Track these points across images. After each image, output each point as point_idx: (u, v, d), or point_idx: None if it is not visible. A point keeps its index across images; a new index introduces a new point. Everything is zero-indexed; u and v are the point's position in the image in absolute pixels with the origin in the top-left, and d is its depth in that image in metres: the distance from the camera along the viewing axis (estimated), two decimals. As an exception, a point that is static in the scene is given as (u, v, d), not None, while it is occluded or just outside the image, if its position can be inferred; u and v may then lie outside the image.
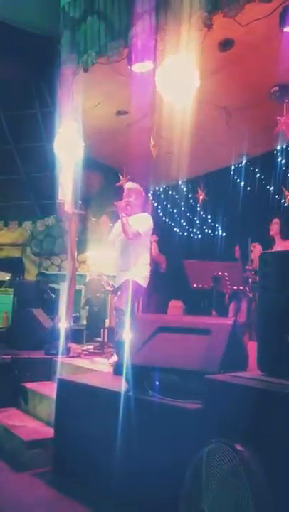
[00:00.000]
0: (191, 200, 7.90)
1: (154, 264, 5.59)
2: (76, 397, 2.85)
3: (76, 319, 7.62)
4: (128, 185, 4.30)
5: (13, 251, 10.30)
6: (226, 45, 4.28)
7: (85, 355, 4.73)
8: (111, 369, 3.43)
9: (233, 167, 7.28)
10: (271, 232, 5.26)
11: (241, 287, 4.49)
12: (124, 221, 3.87)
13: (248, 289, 4.51)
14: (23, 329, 5.18)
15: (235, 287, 4.54)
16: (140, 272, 3.91)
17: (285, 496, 1.60)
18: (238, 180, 7.16)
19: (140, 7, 4.17)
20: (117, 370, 2.92)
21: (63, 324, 4.82)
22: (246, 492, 1.60)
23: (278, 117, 4.61)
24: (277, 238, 5.20)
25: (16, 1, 6.34)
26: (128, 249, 3.93)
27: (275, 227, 5.21)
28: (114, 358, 3.88)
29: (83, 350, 4.89)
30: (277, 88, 4.88)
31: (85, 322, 7.67)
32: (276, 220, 5.25)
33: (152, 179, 8.17)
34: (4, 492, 2.70)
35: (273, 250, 5.01)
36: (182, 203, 8.11)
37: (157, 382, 2.38)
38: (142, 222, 3.98)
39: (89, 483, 2.58)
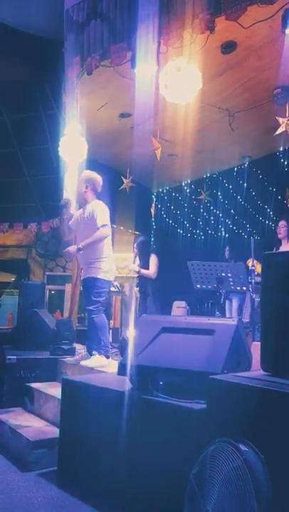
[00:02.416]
0: (195, 202, 7.92)
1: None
2: (81, 397, 2.87)
3: (81, 320, 7.65)
4: (80, 176, 4.32)
5: (18, 252, 10.36)
6: (228, 47, 4.31)
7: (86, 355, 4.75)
8: (115, 369, 3.45)
9: (236, 169, 7.30)
10: (279, 236, 5.25)
11: (245, 288, 4.50)
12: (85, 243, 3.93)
13: (251, 289, 4.52)
14: (28, 330, 5.21)
15: (238, 288, 4.55)
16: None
17: (289, 495, 1.61)
18: (241, 182, 7.18)
19: (143, 10, 4.20)
20: (122, 370, 2.94)
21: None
22: (250, 492, 1.61)
23: (280, 118, 4.62)
24: (284, 241, 5.21)
25: (21, 4, 6.39)
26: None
27: (282, 230, 5.21)
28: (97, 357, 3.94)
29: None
30: (279, 90, 4.89)
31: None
32: (283, 223, 5.25)
33: (156, 181, 8.20)
34: (11, 491, 2.72)
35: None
36: (185, 205, 8.13)
37: (161, 383, 2.39)
38: (101, 214, 4.00)
39: (94, 482, 2.60)
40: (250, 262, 4.78)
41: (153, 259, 5.78)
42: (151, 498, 2.23)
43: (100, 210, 4.03)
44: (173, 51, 4.06)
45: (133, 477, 2.35)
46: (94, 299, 3.99)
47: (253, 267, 4.61)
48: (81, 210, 4.22)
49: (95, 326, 3.99)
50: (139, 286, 5.70)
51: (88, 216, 4.07)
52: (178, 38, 3.98)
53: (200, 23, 3.79)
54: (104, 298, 4.04)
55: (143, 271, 5.61)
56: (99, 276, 3.97)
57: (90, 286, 4.00)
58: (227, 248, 6.55)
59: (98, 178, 4.27)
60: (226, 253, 6.46)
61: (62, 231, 4.46)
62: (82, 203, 4.24)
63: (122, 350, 3.71)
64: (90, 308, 4.00)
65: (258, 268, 4.75)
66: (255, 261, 4.70)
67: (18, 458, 3.22)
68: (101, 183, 4.26)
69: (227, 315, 5.73)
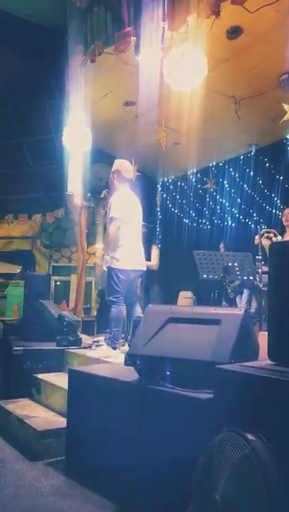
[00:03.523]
0: (200, 191, 7.86)
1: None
2: (87, 388, 2.88)
3: (87, 311, 7.67)
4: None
5: (23, 243, 10.36)
6: (234, 32, 4.23)
7: (96, 346, 4.76)
8: (122, 360, 3.45)
9: (242, 157, 7.22)
10: (285, 223, 5.24)
11: (252, 277, 4.47)
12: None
13: (258, 278, 4.50)
14: (34, 321, 5.23)
15: (245, 277, 4.53)
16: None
17: (297, 484, 1.61)
18: (248, 170, 7.10)
19: (147, -4, 4.13)
20: (128, 360, 2.94)
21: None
22: (258, 481, 1.60)
23: (287, 105, 4.55)
24: (288, 227, 5.19)
25: (22, -8, 6.31)
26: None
27: (288, 216, 5.20)
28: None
29: (94, 342, 4.92)
30: (286, 76, 4.81)
31: (95, 313, 7.71)
32: (288, 210, 5.25)
33: (161, 170, 8.15)
34: (19, 480, 2.75)
35: (285, 239, 4.99)
36: (191, 194, 8.08)
37: (168, 373, 2.39)
38: (114, 206, 3.97)
39: (101, 471, 2.61)
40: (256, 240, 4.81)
41: (155, 251, 5.75)
42: (158, 487, 2.24)
43: (114, 202, 3.99)
44: (177, 37, 3.99)
45: (140, 466, 2.36)
46: (109, 289, 3.97)
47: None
48: None
49: (110, 316, 3.96)
50: (142, 277, 5.69)
51: (108, 208, 4.06)
52: (183, 23, 3.90)
53: (205, 7, 3.72)
54: (120, 288, 3.97)
55: (146, 263, 5.59)
56: (112, 266, 3.96)
57: (108, 276, 3.98)
58: (222, 245, 6.49)
59: (123, 165, 4.22)
60: (221, 249, 6.35)
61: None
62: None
63: (130, 339, 3.71)
64: (108, 298, 3.99)
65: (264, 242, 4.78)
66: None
67: (26, 448, 3.25)
68: (128, 168, 4.22)
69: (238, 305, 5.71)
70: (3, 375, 4.73)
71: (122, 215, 3.95)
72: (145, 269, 4.25)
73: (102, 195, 4.32)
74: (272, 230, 5.14)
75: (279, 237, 5.03)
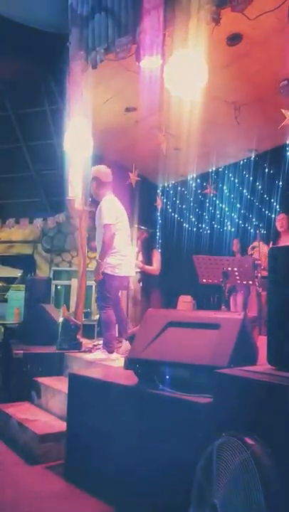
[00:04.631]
0: (200, 196, 7.89)
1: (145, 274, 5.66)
2: (87, 392, 2.88)
3: (87, 315, 7.68)
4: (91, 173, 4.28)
5: (24, 248, 10.39)
6: (234, 39, 4.26)
7: (96, 349, 4.77)
8: (121, 363, 3.46)
9: (242, 162, 7.25)
10: (280, 229, 5.28)
11: (251, 282, 4.48)
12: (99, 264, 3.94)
13: (257, 283, 4.51)
14: (35, 325, 5.24)
15: (244, 282, 4.54)
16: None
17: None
18: (247, 176, 7.13)
19: (148, 2, 4.16)
20: (128, 364, 2.95)
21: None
22: (257, 486, 1.61)
23: (287, 111, 4.58)
24: (283, 232, 5.23)
25: (25, -1, 6.36)
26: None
27: (283, 222, 5.25)
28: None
29: (94, 345, 4.93)
30: (286, 82, 4.83)
31: (96, 317, 7.72)
32: (283, 216, 5.29)
33: (161, 175, 8.17)
34: (19, 485, 2.75)
35: (280, 245, 5.03)
36: (191, 199, 8.11)
37: (167, 377, 2.40)
38: (104, 212, 3.97)
39: (101, 475, 2.61)
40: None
41: (156, 256, 5.76)
42: (157, 491, 2.24)
43: (103, 209, 3.99)
44: (178, 43, 4.02)
45: (140, 470, 2.36)
46: (100, 294, 3.99)
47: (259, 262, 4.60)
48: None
49: (102, 321, 3.99)
50: (142, 282, 5.71)
51: (97, 214, 4.06)
52: (183, 30, 3.94)
53: (205, 14, 3.75)
54: (111, 294, 4.00)
55: (147, 267, 5.61)
56: (106, 271, 3.96)
57: (101, 281, 3.99)
58: (236, 241, 6.54)
59: (100, 170, 4.22)
60: (235, 246, 6.43)
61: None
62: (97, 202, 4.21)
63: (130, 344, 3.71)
64: (98, 303, 4.01)
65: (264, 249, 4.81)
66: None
67: (25, 451, 3.25)
68: (105, 171, 4.20)
69: (232, 309, 5.72)
70: (4, 379, 4.73)
71: (114, 221, 3.98)
72: (134, 274, 4.26)
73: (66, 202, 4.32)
74: (254, 243, 5.23)
75: (262, 246, 5.05)
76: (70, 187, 5.77)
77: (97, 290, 4.10)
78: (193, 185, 8.06)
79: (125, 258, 4.08)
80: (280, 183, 6.58)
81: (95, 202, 4.28)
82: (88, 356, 4.02)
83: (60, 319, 4.74)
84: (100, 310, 3.99)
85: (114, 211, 4.03)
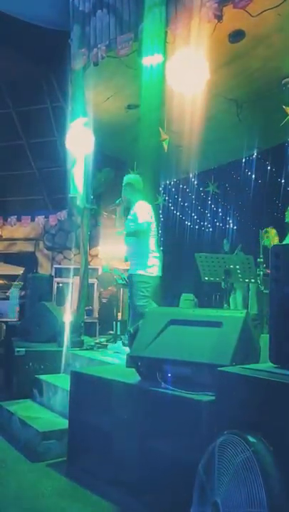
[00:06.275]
0: (202, 193, 7.88)
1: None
2: (89, 389, 2.89)
3: (89, 312, 7.68)
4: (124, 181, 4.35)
5: (26, 245, 10.39)
6: (236, 36, 4.26)
7: (98, 347, 4.78)
8: (123, 361, 3.46)
9: (244, 160, 7.24)
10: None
11: (253, 280, 4.47)
12: None
13: (259, 281, 4.50)
14: (36, 322, 5.25)
15: (246, 280, 4.52)
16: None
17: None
18: (249, 173, 7.12)
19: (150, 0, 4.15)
20: (130, 362, 2.95)
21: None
22: (259, 484, 1.61)
23: (287, 108, 4.56)
24: None
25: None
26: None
27: None
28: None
29: (96, 343, 4.94)
30: (288, 79, 4.83)
31: (97, 315, 7.72)
32: None
33: (163, 173, 8.15)
34: (21, 481, 2.76)
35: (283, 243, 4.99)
36: (193, 197, 8.09)
37: (170, 375, 2.40)
38: (139, 213, 4.02)
39: (102, 473, 2.62)
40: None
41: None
42: (159, 489, 2.24)
43: (139, 211, 4.05)
44: (180, 41, 4.01)
45: (142, 468, 2.36)
46: (136, 296, 3.96)
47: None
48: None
49: None
50: None
51: (132, 216, 4.11)
52: (185, 27, 3.93)
53: (207, 11, 3.75)
54: (149, 293, 3.98)
55: None
56: (143, 273, 3.97)
57: (136, 282, 3.99)
58: (225, 241, 6.49)
59: (136, 178, 4.38)
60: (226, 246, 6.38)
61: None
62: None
63: (130, 342, 3.71)
64: (137, 304, 3.96)
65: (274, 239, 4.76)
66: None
67: (27, 448, 3.26)
68: (140, 179, 4.36)
69: (232, 307, 5.71)
70: (6, 376, 4.74)
71: (152, 220, 4.04)
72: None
73: (117, 202, 4.35)
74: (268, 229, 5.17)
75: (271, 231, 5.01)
76: (72, 184, 5.77)
77: (133, 293, 4.04)
78: (195, 182, 8.05)
79: (157, 259, 4.15)
80: (283, 181, 6.56)
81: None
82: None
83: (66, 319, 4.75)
84: (140, 311, 3.91)
85: (151, 213, 4.09)
